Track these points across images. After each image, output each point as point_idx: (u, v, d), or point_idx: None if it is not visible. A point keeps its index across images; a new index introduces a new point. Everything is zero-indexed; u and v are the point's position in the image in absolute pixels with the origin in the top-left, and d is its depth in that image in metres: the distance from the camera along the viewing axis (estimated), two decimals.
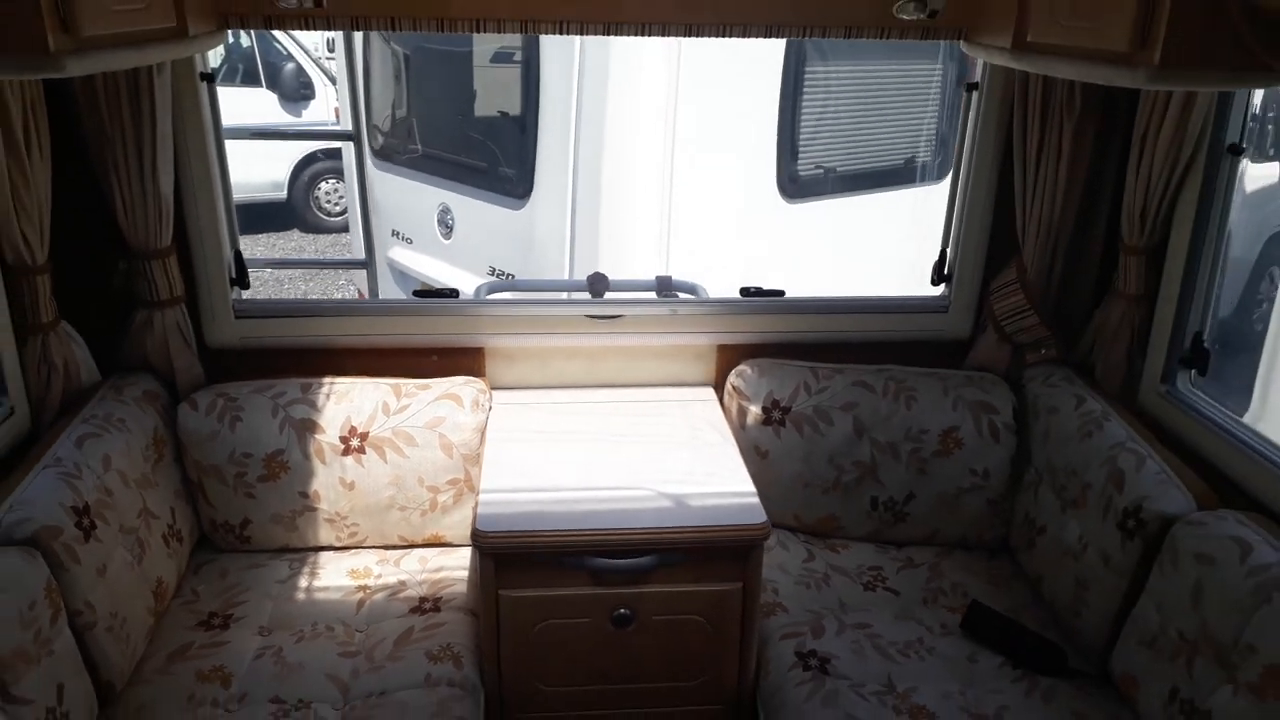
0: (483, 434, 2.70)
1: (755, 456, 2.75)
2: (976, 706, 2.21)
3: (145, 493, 2.45)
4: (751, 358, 2.88)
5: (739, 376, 2.83)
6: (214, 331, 2.76)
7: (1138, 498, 2.23)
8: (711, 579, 2.31)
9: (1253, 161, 5.97)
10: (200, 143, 2.58)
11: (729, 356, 2.92)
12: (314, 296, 8.15)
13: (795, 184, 4.96)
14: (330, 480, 2.67)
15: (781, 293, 2.98)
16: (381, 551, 2.79)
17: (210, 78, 2.62)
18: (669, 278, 3.28)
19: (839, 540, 2.82)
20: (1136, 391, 2.64)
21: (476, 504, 2.35)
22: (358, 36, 4.96)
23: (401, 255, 5.61)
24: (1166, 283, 2.54)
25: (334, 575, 2.69)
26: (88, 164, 2.44)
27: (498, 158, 5.25)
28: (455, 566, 2.71)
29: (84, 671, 2.09)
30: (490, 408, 2.80)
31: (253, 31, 8.71)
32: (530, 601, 2.30)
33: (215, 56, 2.67)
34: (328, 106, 9.56)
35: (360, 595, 2.61)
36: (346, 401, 2.69)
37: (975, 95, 2.78)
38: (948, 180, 3.02)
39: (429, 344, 2.85)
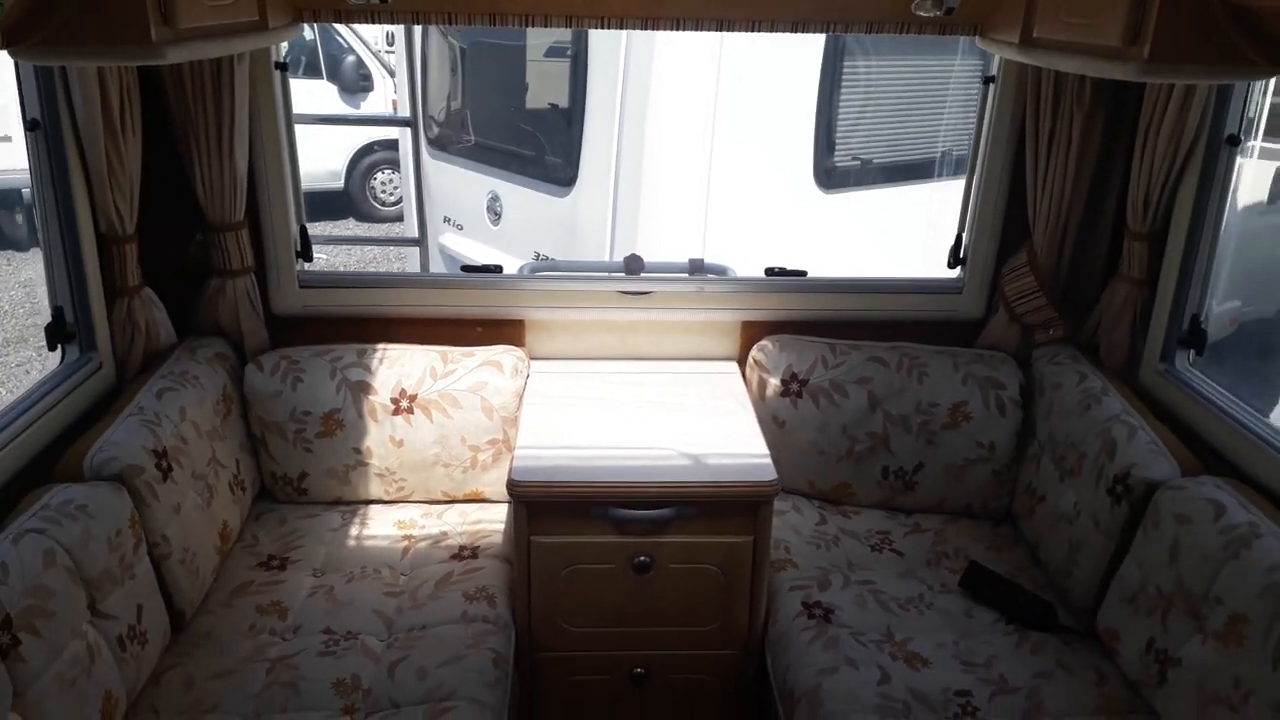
0: (521, 398, 2.91)
1: (773, 426, 2.93)
2: (968, 655, 2.38)
3: (215, 444, 2.70)
4: (774, 334, 3.06)
5: (760, 351, 3.01)
6: (280, 299, 3.01)
7: (1127, 465, 2.37)
8: (725, 532, 2.50)
9: None
10: (273, 127, 2.82)
11: (753, 333, 3.10)
12: None
13: (831, 175, 5.11)
14: (381, 438, 2.90)
15: (804, 273, 3.15)
16: (426, 506, 3.01)
17: (284, 67, 2.85)
18: (701, 260, 3.45)
19: (850, 507, 2.99)
20: (1138, 370, 2.77)
21: (512, 458, 2.56)
22: (417, 30, 5.20)
23: (453, 241, 5.86)
24: (1166, 267, 2.67)
25: (382, 525, 2.91)
26: (173, 144, 2.69)
27: (545, 148, 5.46)
28: (493, 520, 2.93)
29: (159, 597, 2.33)
30: (528, 375, 3.01)
31: (317, 25, 9.03)
32: (559, 547, 2.50)
33: (282, 48, 2.91)
34: (385, 99, 9.88)
35: (405, 543, 2.83)
36: (398, 366, 2.92)
37: (991, 88, 2.93)
38: None
39: (474, 316, 3.07)
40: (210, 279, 2.89)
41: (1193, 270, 2.61)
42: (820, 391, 2.93)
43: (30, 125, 2.39)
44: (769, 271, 3.15)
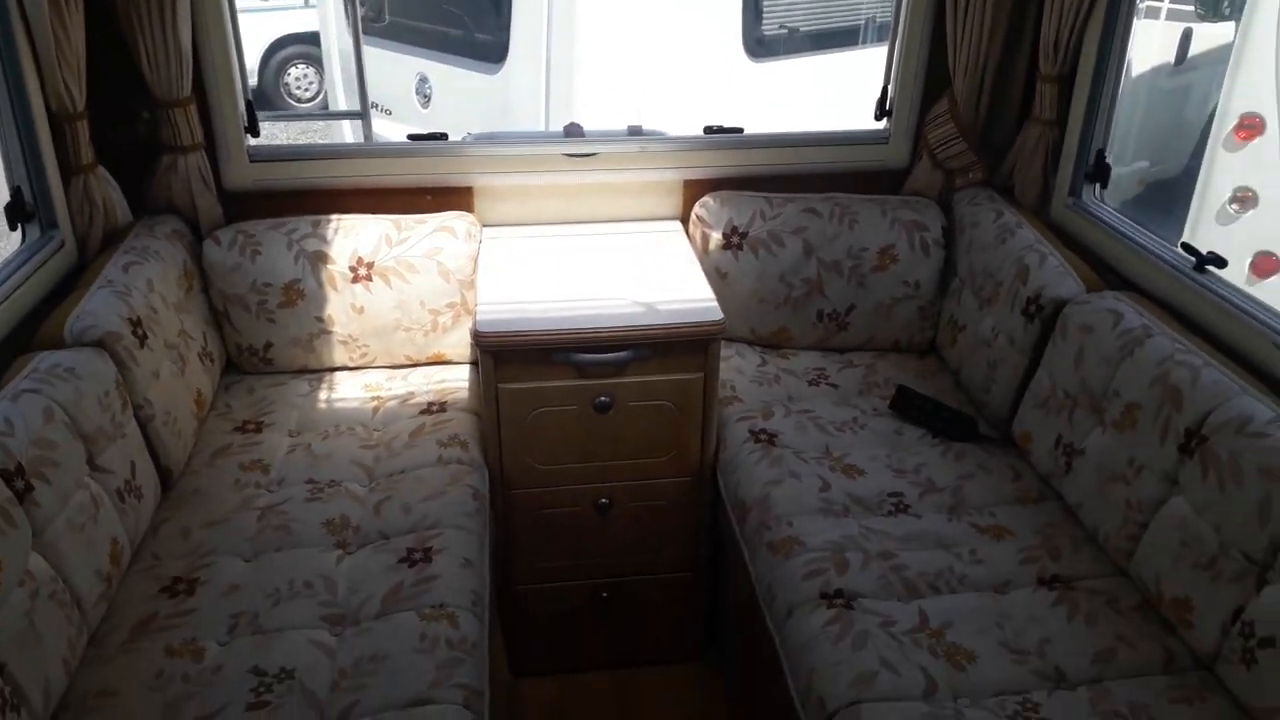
0: (475, 262, 3.03)
1: (716, 278, 3.10)
2: (899, 464, 2.65)
3: (181, 316, 2.77)
4: (714, 191, 3.21)
5: (702, 207, 3.17)
6: (231, 175, 3.05)
7: (1039, 287, 2.62)
8: (677, 370, 2.70)
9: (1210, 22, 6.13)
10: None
11: (694, 191, 3.24)
12: None
13: (761, 45, 5.20)
14: (342, 305, 3.00)
15: (741, 129, 3.29)
16: (390, 370, 3.13)
17: None
18: (639, 127, 3.56)
19: (789, 350, 3.21)
20: (1049, 206, 3.00)
21: (475, 311, 2.71)
22: None
23: (382, 128, 5.80)
24: (1075, 106, 2.88)
25: (350, 389, 3.04)
26: (115, 21, 2.69)
27: (473, 26, 5.43)
28: (457, 379, 3.07)
29: (148, 457, 2.45)
30: (481, 240, 3.13)
31: None
32: (525, 393, 2.68)
33: None
34: None
35: (375, 403, 2.97)
36: (353, 235, 3.00)
37: None
38: None
39: (423, 184, 3.15)
40: (161, 157, 2.92)
41: (1099, 108, 2.82)
42: (759, 243, 3.11)
43: None
44: (707, 130, 3.28)
